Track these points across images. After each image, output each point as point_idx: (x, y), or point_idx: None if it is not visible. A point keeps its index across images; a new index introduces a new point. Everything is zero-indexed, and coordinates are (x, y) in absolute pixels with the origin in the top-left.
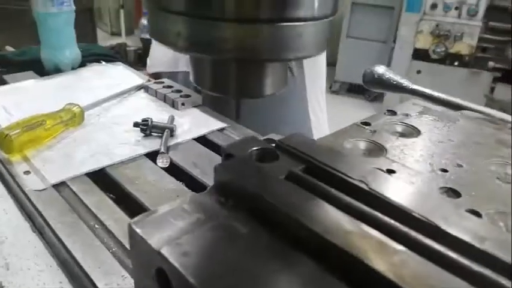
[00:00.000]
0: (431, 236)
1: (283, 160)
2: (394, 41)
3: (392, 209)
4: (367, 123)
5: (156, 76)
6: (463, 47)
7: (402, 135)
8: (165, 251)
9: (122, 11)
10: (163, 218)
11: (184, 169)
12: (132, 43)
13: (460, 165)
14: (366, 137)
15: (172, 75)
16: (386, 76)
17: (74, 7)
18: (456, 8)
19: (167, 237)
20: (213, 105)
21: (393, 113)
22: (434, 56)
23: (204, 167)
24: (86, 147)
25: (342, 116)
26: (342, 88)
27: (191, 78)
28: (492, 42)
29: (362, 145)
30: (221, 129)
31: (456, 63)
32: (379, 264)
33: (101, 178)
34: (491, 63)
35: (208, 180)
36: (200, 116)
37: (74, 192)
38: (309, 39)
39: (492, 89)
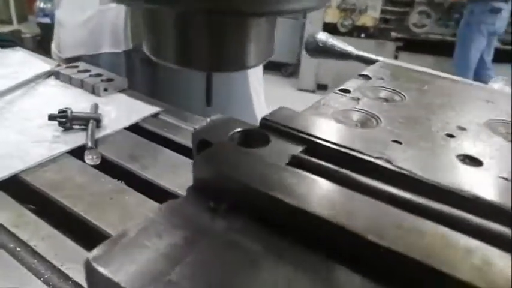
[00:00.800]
0: (480, 213)
1: (276, 142)
2: (305, 17)
3: (429, 188)
4: (346, 90)
5: (70, 61)
6: (368, 20)
7: (386, 100)
8: None
9: None
10: (136, 244)
11: (121, 164)
12: (27, 30)
13: (463, 129)
14: (351, 106)
15: (93, 59)
16: (330, 43)
17: None
18: None
19: (150, 275)
20: (146, 90)
21: (367, 77)
22: (342, 29)
23: (144, 159)
24: None
25: (265, 92)
26: None
27: (145, 49)
28: (393, 13)
29: (354, 116)
30: (155, 115)
31: (363, 35)
32: (462, 272)
33: (15, 187)
34: (393, 34)
35: (153, 176)
36: (128, 102)
37: None
38: None
39: (396, 57)
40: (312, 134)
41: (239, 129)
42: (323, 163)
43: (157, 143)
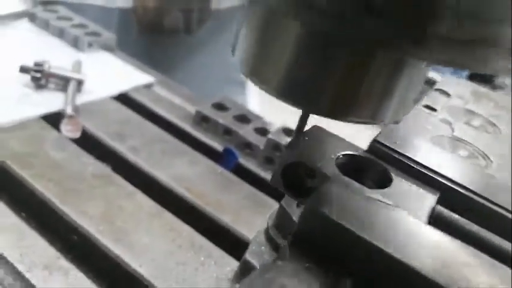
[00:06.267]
0: None
1: (401, 184)
2: None
3: None
4: (431, 108)
5: (46, 4)
6: None
7: (481, 128)
8: None
9: None
10: None
11: (106, 143)
12: None
13: None
14: (447, 132)
15: (76, 8)
16: None
17: None
18: None
19: None
20: (139, 52)
21: (446, 94)
22: None
23: (134, 139)
24: None
25: None
26: None
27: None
28: None
29: (461, 150)
30: (148, 86)
31: None
32: None
33: None
34: None
35: (145, 163)
36: (117, 65)
37: None
38: None
39: None
40: (445, 176)
41: (346, 153)
42: (475, 227)
43: (149, 120)
